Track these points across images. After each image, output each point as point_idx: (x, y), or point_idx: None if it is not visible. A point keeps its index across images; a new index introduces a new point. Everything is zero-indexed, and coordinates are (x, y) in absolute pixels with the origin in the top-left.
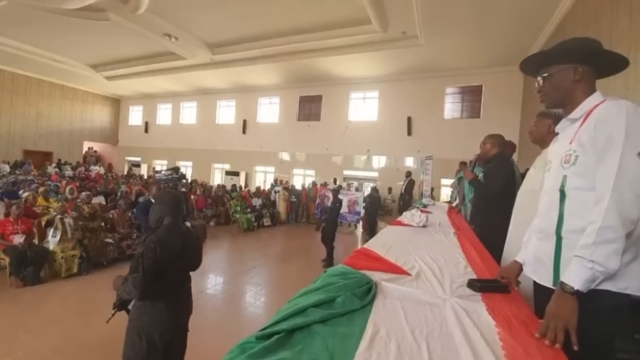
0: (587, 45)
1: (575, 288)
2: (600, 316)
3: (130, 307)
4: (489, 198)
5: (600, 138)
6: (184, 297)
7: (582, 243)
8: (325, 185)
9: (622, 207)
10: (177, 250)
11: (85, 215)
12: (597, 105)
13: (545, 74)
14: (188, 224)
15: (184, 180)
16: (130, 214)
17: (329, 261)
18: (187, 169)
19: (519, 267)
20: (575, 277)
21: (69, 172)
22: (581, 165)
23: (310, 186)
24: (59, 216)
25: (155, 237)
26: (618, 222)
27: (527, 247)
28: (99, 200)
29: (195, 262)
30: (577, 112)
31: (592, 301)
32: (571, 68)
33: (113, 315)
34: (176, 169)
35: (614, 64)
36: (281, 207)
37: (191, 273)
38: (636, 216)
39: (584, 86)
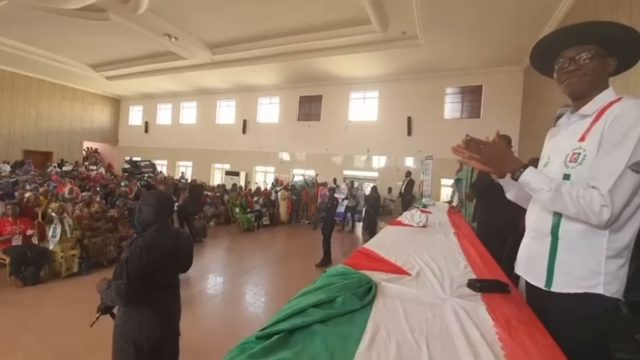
0: (631, 37)
1: (521, 176)
2: (592, 319)
3: (115, 311)
4: (475, 194)
5: (614, 135)
6: (171, 301)
7: (563, 188)
8: (325, 185)
9: (614, 209)
10: (165, 254)
11: (93, 214)
12: (612, 103)
13: (593, 52)
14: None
15: (185, 177)
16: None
17: (326, 260)
18: (187, 168)
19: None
20: (529, 178)
21: (66, 167)
22: (588, 165)
23: (311, 184)
24: (57, 216)
25: (142, 241)
26: (596, 215)
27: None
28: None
29: (186, 264)
30: (590, 108)
31: (583, 305)
32: (608, 57)
33: (97, 319)
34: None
35: (632, 62)
36: (282, 207)
37: (190, 273)
38: (606, 219)
39: (607, 82)
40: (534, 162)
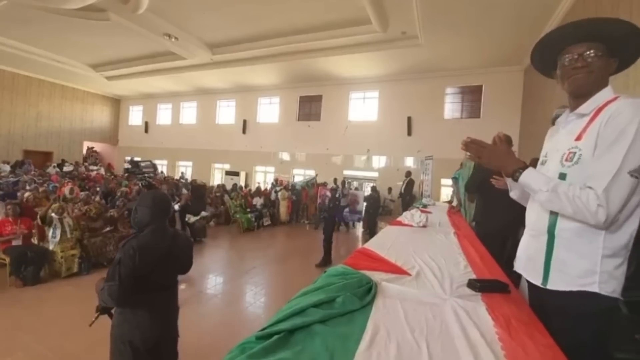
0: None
1: (517, 178)
2: (589, 318)
3: (113, 311)
4: (468, 191)
5: (609, 135)
6: (169, 303)
7: (560, 187)
8: (325, 185)
9: (609, 209)
10: (160, 256)
11: (93, 217)
12: (608, 102)
13: (600, 52)
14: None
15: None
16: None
17: (326, 260)
18: (187, 168)
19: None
20: (529, 178)
21: (67, 167)
22: (584, 164)
23: (310, 185)
24: (57, 216)
25: (136, 242)
26: (592, 215)
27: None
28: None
29: (184, 266)
30: (587, 107)
31: (579, 303)
32: (610, 58)
33: (96, 318)
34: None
35: (632, 61)
36: (282, 207)
37: (190, 273)
38: (602, 219)
39: (607, 81)
40: (535, 162)
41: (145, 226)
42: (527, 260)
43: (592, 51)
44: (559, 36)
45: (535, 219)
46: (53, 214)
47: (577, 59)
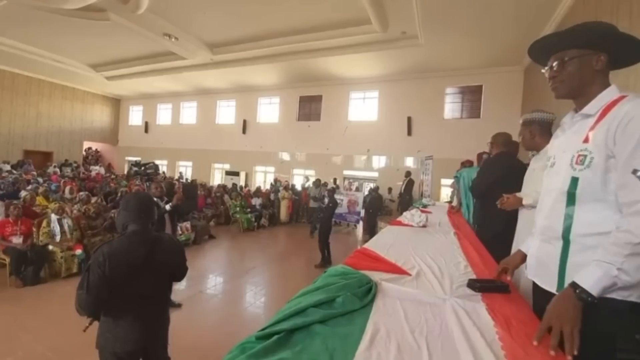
0: (608, 31)
1: (593, 294)
2: (600, 323)
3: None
4: (475, 196)
5: (627, 142)
6: (155, 313)
7: (613, 250)
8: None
9: None
10: (136, 263)
11: (92, 215)
12: (615, 101)
13: (566, 58)
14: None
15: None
16: None
17: (325, 261)
18: (187, 169)
19: (521, 257)
20: (594, 282)
21: (69, 174)
22: (597, 168)
23: (310, 185)
24: (57, 217)
25: (108, 248)
26: None
27: (529, 247)
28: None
29: (175, 272)
30: (592, 107)
31: (593, 308)
32: (593, 55)
33: (90, 323)
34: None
35: (633, 54)
36: (283, 207)
37: (191, 273)
38: None
39: (602, 77)
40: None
41: (124, 229)
42: (538, 265)
43: (558, 61)
44: (536, 53)
45: (546, 224)
46: (53, 215)
47: (549, 71)
